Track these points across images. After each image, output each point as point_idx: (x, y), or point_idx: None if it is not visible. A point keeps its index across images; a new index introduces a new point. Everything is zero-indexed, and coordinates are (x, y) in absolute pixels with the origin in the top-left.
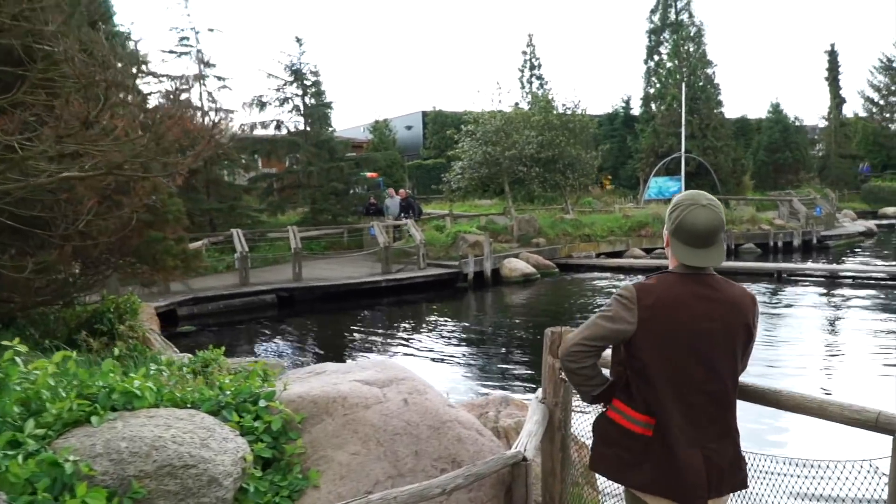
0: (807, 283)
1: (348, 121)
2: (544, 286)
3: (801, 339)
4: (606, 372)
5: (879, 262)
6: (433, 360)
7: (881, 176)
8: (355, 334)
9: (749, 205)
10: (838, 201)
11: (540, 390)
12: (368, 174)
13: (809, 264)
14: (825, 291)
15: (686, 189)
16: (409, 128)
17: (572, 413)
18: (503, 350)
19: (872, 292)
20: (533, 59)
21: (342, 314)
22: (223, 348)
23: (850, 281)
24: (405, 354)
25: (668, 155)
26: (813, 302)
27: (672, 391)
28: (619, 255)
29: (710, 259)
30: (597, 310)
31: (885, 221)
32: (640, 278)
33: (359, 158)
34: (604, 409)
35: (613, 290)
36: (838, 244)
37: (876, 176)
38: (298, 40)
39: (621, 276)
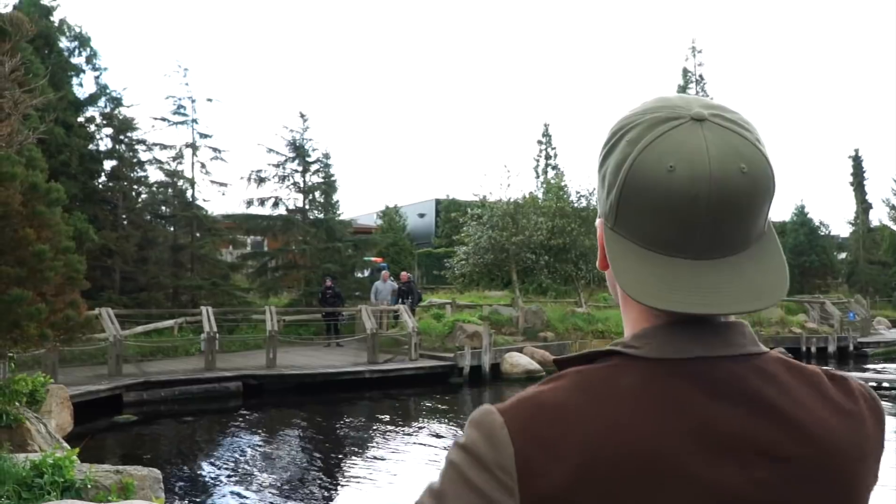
0: None
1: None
2: None
3: None
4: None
5: None
6: (407, 467)
7: None
8: (322, 434)
9: (777, 306)
10: (870, 308)
11: None
12: (373, 258)
13: (854, 374)
14: None
15: None
16: (421, 215)
17: None
18: None
19: None
20: (549, 149)
21: (316, 408)
22: (76, 450)
23: None
24: (376, 459)
25: None
26: None
27: None
28: None
29: (737, 294)
30: None
31: None
32: None
33: (357, 241)
34: None
35: None
36: (877, 352)
37: None
38: (302, 116)
39: None
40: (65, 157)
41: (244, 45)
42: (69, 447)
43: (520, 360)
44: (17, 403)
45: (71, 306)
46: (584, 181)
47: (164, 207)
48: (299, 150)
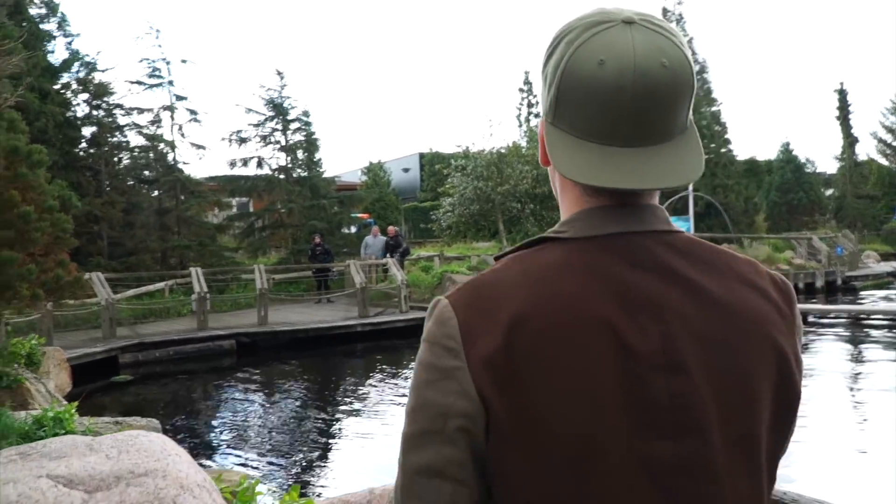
0: (837, 326)
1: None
2: None
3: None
4: None
5: None
6: (401, 412)
7: None
8: (317, 386)
9: (764, 243)
10: (859, 242)
11: None
12: (360, 214)
13: (840, 306)
14: (862, 335)
15: (696, 231)
16: (406, 170)
17: None
18: None
19: None
20: (531, 97)
21: (309, 361)
22: (75, 404)
23: (886, 322)
24: (371, 408)
25: (674, 194)
26: (847, 350)
27: None
28: None
29: (658, 174)
30: None
31: None
32: None
33: (342, 197)
34: None
35: None
36: (865, 285)
37: None
38: (279, 73)
39: None
40: (41, 125)
41: (217, 2)
42: (68, 405)
43: None
44: (15, 365)
45: (60, 265)
46: None
47: (146, 172)
48: (278, 109)
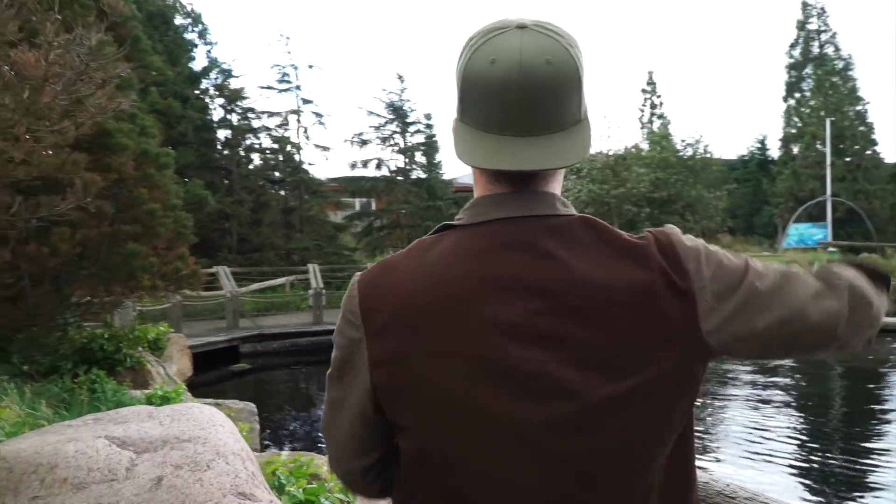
0: None
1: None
2: None
3: None
4: None
5: None
6: None
7: None
8: None
9: None
10: None
11: None
12: None
13: None
14: None
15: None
16: None
17: None
18: None
19: None
20: (654, 98)
21: None
22: (182, 385)
23: None
24: None
25: (810, 199)
26: None
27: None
28: None
29: (538, 158)
30: None
31: None
32: None
33: (458, 198)
34: None
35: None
36: None
37: None
38: (400, 77)
39: None
40: (182, 129)
41: (344, 9)
42: (177, 385)
43: None
44: (139, 348)
45: (180, 259)
46: (690, 130)
47: (275, 173)
48: (398, 112)
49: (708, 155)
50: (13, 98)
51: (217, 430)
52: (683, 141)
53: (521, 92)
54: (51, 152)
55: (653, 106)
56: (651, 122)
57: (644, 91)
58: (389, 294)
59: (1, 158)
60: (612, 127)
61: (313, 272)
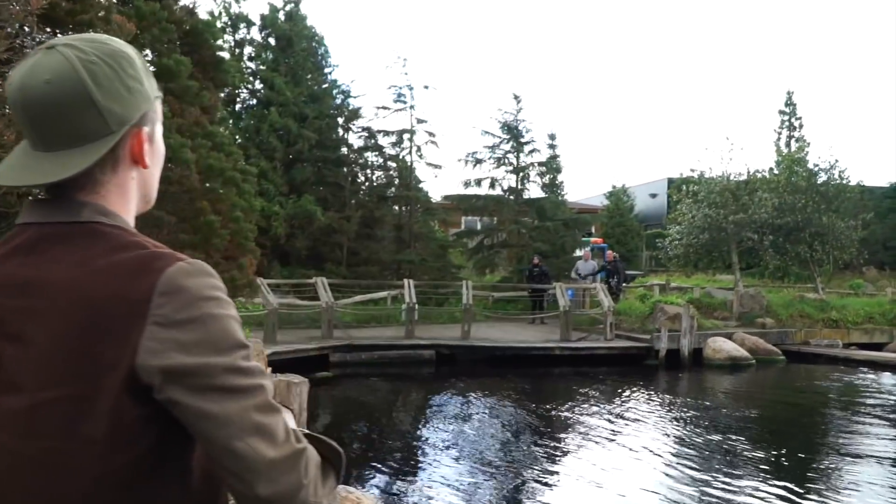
0: None
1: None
2: (757, 375)
3: None
4: None
5: None
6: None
7: None
8: (505, 403)
9: None
10: None
11: None
12: (593, 239)
13: None
14: None
15: None
16: (653, 195)
17: None
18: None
19: None
20: (793, 119)
21: (504, 380)
22: None
23: None
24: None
25: None
26: None
27: None
28: (877, 347)
29: (27, 174)
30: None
31: None
32: None
33: (567, 220)
34: None
35: (867, 390)
36: None
37: None
38: (516, 97)
39: (873, 374)
40: (299, 147)
41: (459, 30)
42: None
43: (724, 346)
44: None
45: (238, 268)
46: (823, 152)
47: (391, 190)
48: (512, 132)
49: (844, 181)
50: None
51: None
52: (816, 165)
53: (23, 110)
54: None
55: (791, 128)
56: (788, 145)
57: (781, 112)
58: None
59: None
60: (733, 149)
61: (408, 287)
